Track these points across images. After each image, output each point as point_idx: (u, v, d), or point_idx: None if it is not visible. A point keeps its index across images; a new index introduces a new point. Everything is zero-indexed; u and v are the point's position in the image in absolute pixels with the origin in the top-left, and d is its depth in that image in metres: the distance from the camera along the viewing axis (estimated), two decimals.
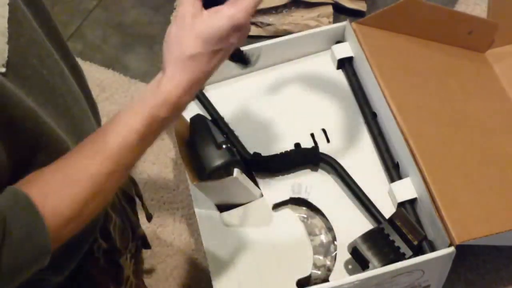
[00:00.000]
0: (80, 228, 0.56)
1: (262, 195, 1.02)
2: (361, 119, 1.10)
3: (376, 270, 0.87)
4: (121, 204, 0.77)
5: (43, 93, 0.54)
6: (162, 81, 0.59)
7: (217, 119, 1.09)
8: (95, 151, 0.55)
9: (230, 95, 1.15)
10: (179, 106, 0.60)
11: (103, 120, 1.40)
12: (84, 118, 0.64)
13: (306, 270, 0.94)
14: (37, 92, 0.53)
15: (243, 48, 0.70)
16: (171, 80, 0.59)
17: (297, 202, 1.02)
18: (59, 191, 0.52)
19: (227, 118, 1.10)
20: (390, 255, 0.89)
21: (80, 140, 0.60)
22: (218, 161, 0.94)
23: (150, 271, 1.21)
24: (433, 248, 0.92)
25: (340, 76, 1.16)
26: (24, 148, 0.52)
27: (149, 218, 0.96)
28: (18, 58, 0.50)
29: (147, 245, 0.93)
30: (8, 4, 0.50)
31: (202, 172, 0.94)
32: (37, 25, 0.56)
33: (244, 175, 0.96)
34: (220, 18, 0.58)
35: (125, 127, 0.56)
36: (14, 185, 0.50)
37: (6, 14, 0.50)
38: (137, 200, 0.89)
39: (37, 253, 0.49)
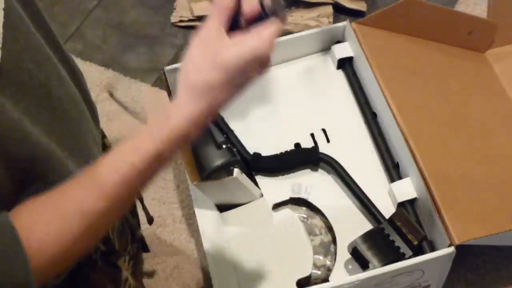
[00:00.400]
0: (67, 266, 0.53)
1: (262, 195, 1.01)
2: (361, 119, 1.10)
3: (376, 270, 0.87)
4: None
5: (39, 97, 0.54)
6: (172, 111, 0.55)
7: (217, 119, 1.09)
8: (91, 185, 0.52)
9: None
10: (185, 140, 0.56)
11: (103, 119, 1.40)
12: (82, 121, 0.63)
13: (306, 270, 0.94)
14: (31, 97, 0.52)
15: None
16: (181, 111, 0.55)
17: (297, 202, 1.02)
18: (47, 225, 0.49)
19: (227, 118, 1.10)
20: (390, 255, 0.89)
21: (76, 144, 0.59)
22: (218, 161, 0.94)
23: (149, 271, 1.21)
24: (433, 248, 0.92)
25: (340, 76, 1.16)
26: (13, 162, 0.51)
27: (150, 221, 0.96)
28: (13, 63, 0.50)
29: (145, 248, 0.93)
30: (4, 9, 0.50)
31: (202, 172, 0.94)
32: (34, 29, 0.56)
33: (244, 175, 0.96)
34: (243, 48, 0.55)
35: (124, 163, 0.53)
36: (5, 213, 0.48)
37: (1, 19, 0.49)
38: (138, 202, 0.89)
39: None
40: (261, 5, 0.59)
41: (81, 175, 0.53)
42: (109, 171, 0.53)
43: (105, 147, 0.75)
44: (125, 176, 0.53)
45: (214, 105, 0.56)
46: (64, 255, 0.50)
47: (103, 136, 0.75)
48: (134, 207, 0.86)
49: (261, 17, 0.59)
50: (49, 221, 0.49)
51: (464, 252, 0.90)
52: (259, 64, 0.57)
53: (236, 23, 0.59)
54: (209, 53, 0.56)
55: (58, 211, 0.50)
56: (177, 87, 0.57)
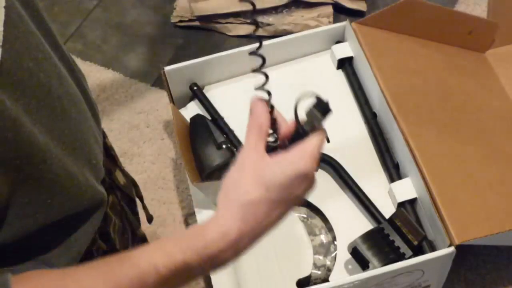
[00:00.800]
0: None
1: None
2: (361, 119, 1.10)
3: (376, 270, 0.87)
4: (121, 205, 0.77)
5: (38, 96, 0.53)
6: (210, 226, 0.52)
7: (217, 119, 1.09)
8: (104, 275, 0.49)
9: (230, 95, 1.15)
10: (217, 261, 0.52)
11: (103, 119, 1.40)
12: (82, 120, 0.63)
13: (306, 270, 0.94)
14: (31, 96, 0.52)
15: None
16: (220, 227, 0.51)
17: None
18: None
19: (227, 118, 1.10)
20: (390, 255, 0.89)
21: (76, 143, 0.59)
22: (218, 161, 0.94)
23: None
24: (433, 248, 0.92)
25: (340, 76, 1.16)
26: (8, 160, 0.50)
27: (149, 219, 0.96)
28: (13, 61, 0.50)
29: None
30: (5, 7, 0.50)
31: (202, 172, 0.94)
32: (34, 28, 0.56)
33: None
34: (285, 166, 0.53)
35: (146, 262, 0.49)
36: (9, 276, 0.47)
37: (2, 17, 0.49)
38: (138, 201, 0.89)
39: None
40: (298, 121, 0.59)
41: (100, 260, 0.51)
42: (128, 266, 0.49)
43: (106, 147, 0.75)
44: (143, 275, 0.49)
45: (255, 225, 0.53)
46: None
47: (104, 136, 0.75)
48: (135, 206, 0.86)
49: (298, 133, 0.58)
50: None
51: (464, 252, 0.90)
52: (304, 181, 0.54)
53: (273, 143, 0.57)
54: (247, 171, 0.53)
55: None
56: (217, 206, 0.54)
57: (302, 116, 0.58)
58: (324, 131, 0.58)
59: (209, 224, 0.52)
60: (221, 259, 0.52)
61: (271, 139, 0.57)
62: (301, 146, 0.55)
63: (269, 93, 0.58)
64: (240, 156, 0.56)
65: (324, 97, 0.58)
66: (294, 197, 0.54)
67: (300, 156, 0.54)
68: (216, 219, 0.53)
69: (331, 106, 0.60)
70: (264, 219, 0.53)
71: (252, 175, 0.53)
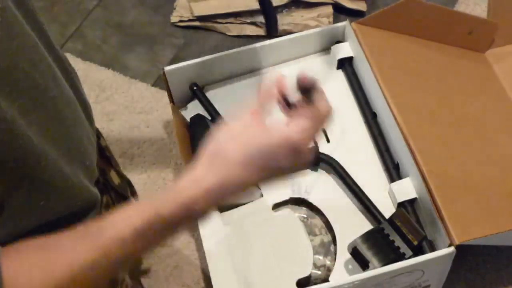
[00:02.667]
0: None
1: (262, 195, 1.01)
2: (361, 119, 1.10)
3: (376, 270, 0.87)
4: (115, 206, 0.77)
5: (33, 97, 0.53)
6: (184, 178, 0.53)
7: (217, 119, 1.09)
8: (85, 237, 0.51)
9: (230, 95, 1.15)
10: (192, 212, 0.53)
11: (103, 119, 1.40)
12: (77, 121, 0.63)
13: (306, 270, 0.94)
14: (26, 97, 0.52)
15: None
16: (193, 181, 0.53)
17: (297, 202, 1.02)
18: (32, 270, 0.48)
19: (227, 118, 1.09)
20: (390, 255, 0.89)
21: (70, 143, 0.59)
22: None
23: (150, 271, 1.21)
24: (433, 248, 0.92)
25: (340, 76, 1.16)
26: (2, 162, 0.50)
27: None
28: (9, 62, 0.50)
29: None
30: (0, 9, 0.50)
31: None
32: (29, 29, 0.56)
33: None
34: (272, 134, 0.54)
35: (123, 220, 0.51)
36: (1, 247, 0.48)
37: None
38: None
39: None
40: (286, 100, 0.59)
41: (81, 226, 0.52)
42: (106, 226, 0.51)
43: (100, 147, 0.75)
44: (121, 234, 0.51)
45: (230, 182, 0.53)
46: None
47: (98, 136, 0.75)
48: None
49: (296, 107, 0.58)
50: (35, 267, 0.48)
51: (464, 252, 0.90)
52: (292, 154, 0.54)
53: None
54: (236, 134, 0.55)
55: (46, 259, 0.49)
56: (196, 159, 0.55)
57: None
58: (322, 108, 0.57)
59: (186, 178, 0.54)
60: (193, 209, 0.53)
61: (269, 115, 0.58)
62: (296, 118, 0.56)
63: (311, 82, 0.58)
64: (233, 121, 0.57)
65: (307, 76, 0.58)
66: (278, 167, 0.54)
67: (291, 129, 0.54)
68: (193, 172, 0.54)
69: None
70: (239, 177, 0.53)
71: (236, 137, 0.54)
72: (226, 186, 0.54)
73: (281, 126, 0.55)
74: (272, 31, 0.94)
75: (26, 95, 0.52)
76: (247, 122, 0.56)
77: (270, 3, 0.80)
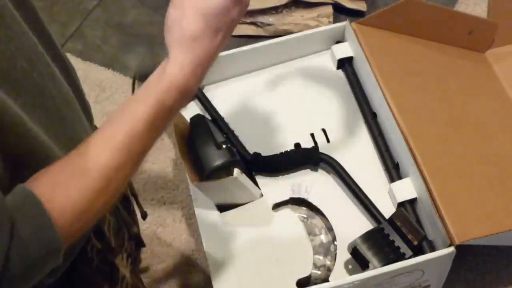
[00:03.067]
0: (91, 223, 0.55)
1: (262, 195, 1.01)
2: (361, 119, 1.10)
3: (376, 270, 0.87)
4: (115, 204, 0.77)
5: (32, 96, 0.54)
6: (166, 66, 0.58)
7: (217, 119, 1.09)
8: (104, 142, 0.54)
9: (230, 95, 1.15)
10: (186, 90, 0.58)
11: (104, 119, 1.40)
12: (76, 119, 0.63)
13: (306, 270, 0.94)
14: (26, 96, 0.53)
15: None
16: (175, 64, 0.58)
17: (297, 202, 1.02)
18: (68, 183, 0.51)
19: (227, 118, 1.10)
20: (390, 255, 0.89)
21: (70, 142, 0.59)
22: (218, 161, 0.94)
23: (149, 271, 1.21)
24: (433, 248, 0.92)
25: (340, 76, 1.16)
26: (11, 156, 0.51)
27: (143, 216, 0.96)
28: (7, 62, 0.50)
29: (141, 243, 0.93)
30: None
31: (202, 172, 0.94)
32: (27, 28, 0.56)
33: (244, 175, 0.96)
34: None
35: (132, 116, 0.55)
36: (23, 184, 0.50)
37: None
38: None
39: (47, 251, 0.49)
40: None
41: (93, 135, 0.55)
42: (119, 126, 0.55)
43: None
44: (134, 128, 0.55)
45: (204, 53, 0.58)
46: (87, 212, 0.52)
47: None
48: (129, 204, 0.86)
49: None
50: (70, 179, 0.51)
51: (464, 252, 0.90)
52: (237, 6, 0.59)
53: None
54: (185, 6, 0.58)
55: (78, 169, 0.52)
56: (166, 47, 0.59)
57: None
58: None
59: (166, 66, 0.58)
60: (189, 87, 0.58)
61: None
62: None
63: None
64: None
65: None
66: (231, 21, 0.60)
67: None
68: (169, 59, 0.58)
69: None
70: (209, 46, 0.59)
71: (190, 9, 0.58)
72: (202, 57, 0.59)
73: None
74: None
75: (26, 94, 0.53)
76: None
77: None
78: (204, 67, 0.59)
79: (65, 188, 0.51)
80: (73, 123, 0.62)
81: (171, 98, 0.57)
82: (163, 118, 0.58)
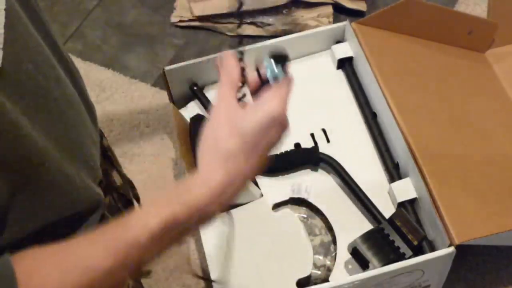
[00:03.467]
0: None
1: (262, 195, 1.01)
2: (361, 119, 1.10)
3: (376, 270, 0.87)
4: (117, 207, 0.77)
5: (36, 98, 0.53)
6: (192, 180, 0.53)
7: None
8: (101, 241, 0.50)
9: None
10: (204, 214, 0.54)
11: (103, 119, 1.40)
12: (80, 122, 0.63)
13: (306, 270, 0.94)
14: (29, 98, 0.52)
15: None
16: (202, 180, 0.53)
17: (297, 202, 1.02)
18: (47, 276, 0.48)
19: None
20: (390, 255, 0.89)
21: (75, 146, 0.59)
22: None
23: (149, 272, 1.21)
24: (433, 248, 0.92)
25: (340, 76, 1.16)
26: (7, 163, 0.50)
27: None
28: (13, 63, 0.50)
29: None
30: (5, 10, 0.50)
31: None
32: (33, 30, 0.56)
33: None
34: (255, 112, 0.54)
35: (138, 223, 0.51)
36: (8, 256, 0.48)
37: (3, 20, 0.49)
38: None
39: None
40: (259, 74, 0.59)
41: (96, 229, 0.52)
42: (122, 230, 0.51)
43: (103, 148, 0.75)
44: (138, 236, 0.51)
45: (236, 175, 0.54)
46: None
47: (102, 136, 0.75)
48: (132, 207, 0.86)
49: (263, 85, 0.59)
50: (50, 273, 0.48)
51: (464, 252, 0.90)
52: (276, 125, 0.55)
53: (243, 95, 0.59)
54: (225, 123, 0.55)
55: (61, 264, 0.49)
56: (198, 160, 0.55)
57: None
58: (289, 78, 0.59)
59: (193, 179, 0.54)
60: (208, 211, 0.54)
61: (240, 94, 0.58)
62: (269, 92, 0.57)
63: (241, 52, 0.59)
64: (214, 110, 0.57)
65: (279, 48, 0.59)
66: (270, 141, 0.56)
67: (268, 101, 0.55)
68: (199, 173, 0.54)
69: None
70: (244, 167, 0.54)
71: (227, 126, 0.54)
72: (234, 178, 0.54)
73: (263, 102, 0.55)
74: None
75: (30, 96, 0.52)
76: (229, 106, 0.56)
77: None
78: (234, 188, 0.55)
79: (43, 281, 0.48)
80: (77, 125, 0.62)
81: (188, 217, 0.52)
82: (172, 234, 0.52)
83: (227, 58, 0.59)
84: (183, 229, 0.53)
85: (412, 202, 0.97)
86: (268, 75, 0.58)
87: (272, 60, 0.58)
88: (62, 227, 0.56)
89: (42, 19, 0.59)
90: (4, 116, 0.48)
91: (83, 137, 0.62)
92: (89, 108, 0.68)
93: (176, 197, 0.53)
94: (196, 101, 1.14)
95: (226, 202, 0.55)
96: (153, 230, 0.51)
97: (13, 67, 0.50)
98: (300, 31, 1.22)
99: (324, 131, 1.08)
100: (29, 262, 0.49)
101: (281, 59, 0.59)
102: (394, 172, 1.01)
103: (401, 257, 0.89)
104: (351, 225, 0.96)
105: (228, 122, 0.55)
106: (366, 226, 0.97)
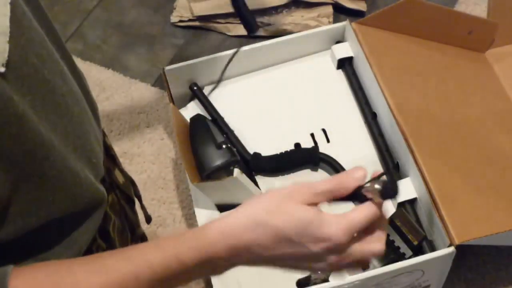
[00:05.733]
0: None
1: None
2: (361, 119, 1.10)
3: (376, 270, 0.87)
4: (120, 204, 0.77)
5: (43, 92, 0.54)
6: (213, 226, 0.51)
7: (217, 119, 1.09)
8: (98, 270, 0.49)
9: (230, 95, 1.15)
10: (212, 264, 0.51)
11: (104, 119, 1.40)
12: (84, 118, 0.63)
13: None
14: (36, 92, 0.52)
15: None
16: (224, 235, 0.50)
17: None
18: None
19: (227, 118, 1.10)
20: (390, 255, 0.89)
21: (79, 141, 0.59)
22: (218, 161, 0.94)
23: None
24: (433, 248, 0.92)
25: (340, 76, 1.16)
26: (11, 156, 0.50)
27: (148, 219, 0.96)
28: (19, 57, 0.50)
29: None
30: (10, 3, 0.50)
31: (202, 172, 0.94)
32: (37, 25, 0.56)
33: (244, 175, 0.96)
34: (316, 215, 0.52)
35: (141, 259, 0.49)
36: (11, 267, 0.48)
37: (8, 13, 0.49)
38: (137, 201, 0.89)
39: None
40: (360, 187, 0.55)
41: (93, 255, 0.51)
42: (123, 262, 0.50)
43: (106, 146, 0.75)
44: (137, 272, 0.49)
45: (257, 249, 0.52)
46: None
47: (104, 135, 0.75)
48: (133, 205, 0.86)
49: (355, 194, 0.56)
50: None
51: (464, 252, 0.90)
52: (327, 251, 0.52)
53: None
54: (286, 199, 0.52)
55: (57, 287, 0.48)
56: (236, 208, 0.53)
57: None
58: (379, 210, 0.54)
59: (213, 225, 0.51)
60: (217, 264, 0.52)
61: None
62: (346, 214, 0.53)
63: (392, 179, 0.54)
64: (297, 185, 0.55)
65: (396, 187, 0.54)
66: (307, 249, 0.52)
67: (338, 222, 0.52)
68: (223, 222, 0.52)
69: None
70: (268, 247, 0.51)
71: (290, 207, 0.52)
72: (254, 250, 0.52)
73: (331, 215, 0.52)
74: (251, 30, 0.94)
75: (36, 90, 0.52)
76: (301, 193, 0.54)
77: (244, 3, 0.80)
78: (246, 255, 0.52)
79: None
80: (82, 122, 0.62)
81: (192, 262, 0.50)
82: (174, 277, 0.50)
83: (358, 173, 0.56)
84: (188, 273, 0.51)
85: (412, 202, 0.97)
86: (363, 192, 0.55)
87: (380, 189, 0.54)
88: (66, 223, 0.56)
89: (45, 15, 0.60)
90: (10, 109, 0.48)
91: (88, 134, 0.62)
92: (92, 106, 0.68)
93: (189, 242, 0.50)
94: (196, 101, 1.14)
95: (238, 263, 0.53)
96: (155, 270, 0.49)
97: (19, 61, 0.50)
98: (300, 31, 1.22)
99: (324, 131, 1.08)
100: (23, 281, 0.48)
101: (388, 195, 0.55)
102: (394, 172, 1.01)
103: (401, 257, 0.89)
104: None
105: (294, 210, 0.52)
106: None
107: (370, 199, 0.54)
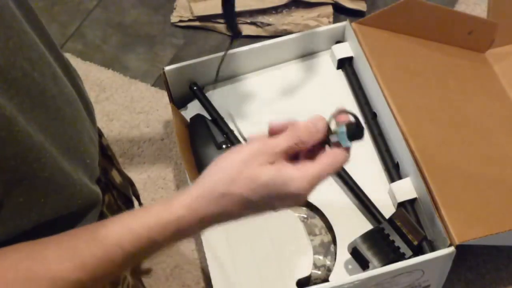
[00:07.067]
0: None
1: None
2: (361, 119, 1.09)
3: (376, 270, 0.87)
4: (117, 205, 0.77)
5: (32, 95, 0.53)
6: (179, 200, 0.53)
7: (217, 119, 1.09)
8: (70, 252, 0.50)
9: (230, 95, 1.15)
10: (182, 234, 0.53)
11: (104, 119, 1.40)
12: (77, 119, 0.63)
13: (306, 270, 0.94)
14: (24, 95, 0.52)
15: None
16: (189, 205, 0.53)
17: None
18: (13, 280, 0.48)
19: (227, 118, 1.10)
20: (390, 255, 0.89)
21: (72, 143, 0.59)
22: None
23: (149, 271, 1.21)
24: (433, 248, 0.92)
25: (340, 76, 1.16)
26: (1, 160, 0.50)
27: None
28: (6, 60, 0.50)
29: None
30: None
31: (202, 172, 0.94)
32: (28, 28, 0.56)
33: None
34: (279, 176, 0.53)
35: (113, 242, 0.51)
36: None
37: None
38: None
39: None
40: (327, 133, 0.56)
41: (66, 237, 0.51)
42: (95, 245, 0.51)
43: (102, 146, 0.75)
44: (110, 254, 0.51)
45: (224, 216, 0.54)
46: None
47: (100, 135, 0.75)
48: (132, 205, 0.86)
49: (323, 142, 0.55)
50: (16, 281, 0.48)
51: (464, 252, 0.90)
52: (291, 199, 0.54)
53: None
54: (246, 164, 0.53)
55: (29, 272, 0.49)
56: (197, 180, 0.54)
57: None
58: (346, 156, 0.57)
59: (178, 200, 0.53)
60: (187, 233, 0.54)
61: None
62: (309, 166, 0.54)
63: (356, 118, 0.55)
64: (249, 145, 0.56)
65: (361, 126, 0.56)
66: (273, 206, 0.55)
67: (299, 176, 0.53)
68: (189, 196, 0.53)
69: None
70: (234, 212, 0.54)
71: (244, 168, 0.53)
72: (222, 218, 0.55)
73: (293, 170, 0.53)
74: (233, 31, 0.95)
75: (25, 93, 0.52)
76: (260, 154, 0.54)
77: (232, 4, 0.80)
78: (215, 224, 0.55)
79: (7, 282, 0.48)
80: (74, 123, 0.62)
81: (162, 238, 0.52)
82: (145, 251, 0.53)
83: (317, 121, 0.57)
84: (159, 246, 0.53)
85: (412, 202, 0.97)
86: (333, 140, 0.55)
87: (346, 130, 0.55)
88: (59, 224, 0.56)
89: (37, 18, 0.59)
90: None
91: (81, 135, 0.62)
92: (87, 106, 0.68)
93: (158, 219, 0.52)
94: (196, 101, 1.14)
95: (206, 228, 0.55)
96: (127, 250, 0.51)
97: (7, 64, 0.50)
98: (300, 31, 1.22)
99: None
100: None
101: (355, 136, 0.55)
102: (394, 172, 1.01)
103: (401, 257, 0.89)
104: (351, 225, 0.96)
105: (246, 165, 0.53)
106: (366, 226, 0.97)
107: (335, 145, 0.55)
